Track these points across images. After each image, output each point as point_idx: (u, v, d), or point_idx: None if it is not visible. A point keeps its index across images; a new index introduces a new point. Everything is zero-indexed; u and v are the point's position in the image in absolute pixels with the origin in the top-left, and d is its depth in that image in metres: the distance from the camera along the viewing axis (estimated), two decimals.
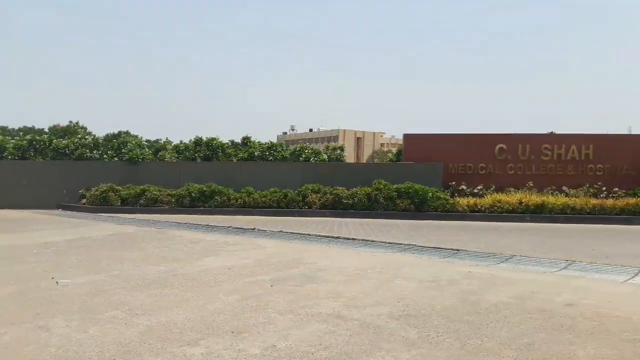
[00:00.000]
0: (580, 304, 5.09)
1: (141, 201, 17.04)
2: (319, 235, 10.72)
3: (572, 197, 15.94)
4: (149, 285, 5.87)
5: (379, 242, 9.69)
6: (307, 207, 16.32)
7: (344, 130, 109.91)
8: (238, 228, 12.16)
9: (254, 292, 5.55)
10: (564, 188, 16.81)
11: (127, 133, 32.54)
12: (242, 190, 17.07)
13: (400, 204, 15.68)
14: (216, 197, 16.78)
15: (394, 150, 22.28)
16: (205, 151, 19.94)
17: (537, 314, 4.74)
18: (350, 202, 15.88)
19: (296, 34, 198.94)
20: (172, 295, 5.40)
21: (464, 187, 17.25)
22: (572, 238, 11.22)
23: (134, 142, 20.97)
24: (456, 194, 16.85)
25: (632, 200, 15.13)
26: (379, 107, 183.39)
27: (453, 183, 17.37)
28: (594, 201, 15.32)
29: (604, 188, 16.72)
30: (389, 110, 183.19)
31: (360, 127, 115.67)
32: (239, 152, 19.84)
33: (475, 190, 17.04)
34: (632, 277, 6.62)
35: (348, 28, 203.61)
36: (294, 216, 15.85)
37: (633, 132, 20.34)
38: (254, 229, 11.89)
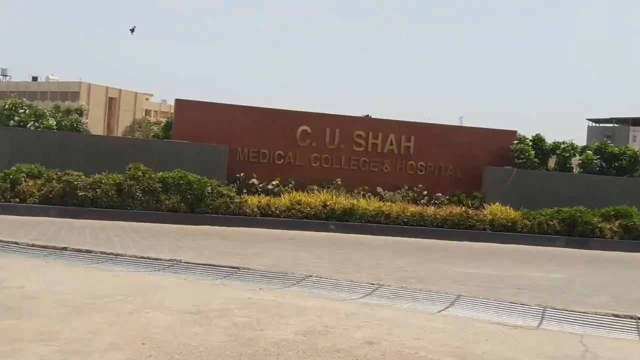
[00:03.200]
0: (383, 341, 5.67)
1: None
2: (34, 245, 9.97)
3: (387, 201, 17.25)
4: None
5: (129, 256, 9.45)
6: (18, 199, 15.02)
7: (89, 84, 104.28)
8: None
9: None
10: (379, 190, 18.08)
11: None
12: None
13: (167, 201, 15.33)
14: None
15: (165, 121, 21.75)
16: None
17: (329, 355, 5.16)
18: (90, 195, 14.97)
19: None
20: None
21: (255, 180, 17.60)
22: (384, 254, 12.29)
23: None
24: (245, 190, 17.09)
25: (456, 210, 16.88)
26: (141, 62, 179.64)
27: (242, 175, 17.63)
28: (412, 208, 16.70)
29: (425, 192, 18.30)
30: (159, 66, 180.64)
31: (115, 84, 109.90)
32: None
33: (270, 187, 17.48)
34: (447, 308, 7.60)
35: None
36: None
37: (464, 124, 22.90)
38: None
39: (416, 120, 19.64)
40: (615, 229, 17.01)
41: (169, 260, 9.31)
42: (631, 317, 7.60)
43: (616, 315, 7.69)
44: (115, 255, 9.50)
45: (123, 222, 14.40)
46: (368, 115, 21.58)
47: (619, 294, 9.54)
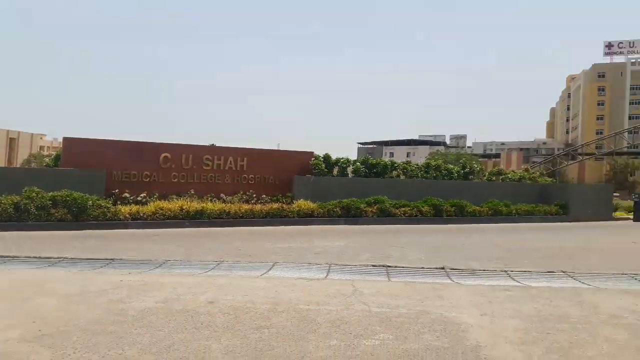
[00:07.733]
0: (221, 300, 5.61)
1: None
2: None
3: (228, 203, 17.09)
4: None
5: (24, 257, 8.60)
6: None
7: None
8: None
9: None
10: (222, 195, 17.86)
11: None
12: None
13: (56, 214, 14.13)
14: None
15: (55, 154, 19.85)
16: None
17: (181, 314, 5.00)
18: None
19: None
20: None
21: (127, 194, 16.69)
22: (225, 240, 12.06)
23: None
24: (119, 202, 16.20)
25: (275, 205, 17.22)
26: (40, 105, 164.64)
27: (116, 191, 16.65)
28: (246, 206, 16.70)
29: (255, 195, 18.29)
30: (54, 110, 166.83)
31: (15, 127, 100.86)
32: None
33: (139, 198, 16.66)
34: (267, 272, 7.66)
35: None
36: None
37: (280, 148, 23.29)
38: None
39: (247, 147, 19.57)
40: (374, 211, 18.10)
41: (57, 257, 8.59)
42: (382, 266, 8.15)
43: (374, 265, 8.21)
44: (12, 257, 8.60)
45: (18, 231, 13.04)
46: (213, 144, 21.09)
47: (376, 252, 10.09)
